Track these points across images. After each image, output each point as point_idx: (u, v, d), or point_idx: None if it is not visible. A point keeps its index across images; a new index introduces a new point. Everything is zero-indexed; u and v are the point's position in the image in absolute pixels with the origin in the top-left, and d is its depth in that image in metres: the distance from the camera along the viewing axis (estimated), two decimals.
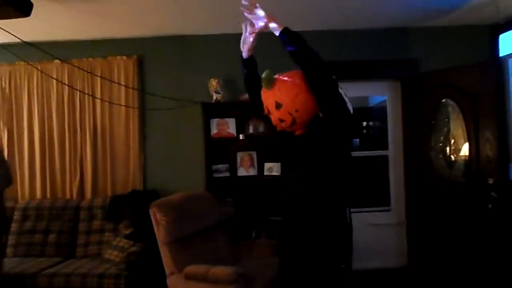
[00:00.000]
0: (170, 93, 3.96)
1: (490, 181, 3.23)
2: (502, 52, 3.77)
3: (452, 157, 3.64)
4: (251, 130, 3.90)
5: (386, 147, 4.26)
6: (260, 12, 1.81)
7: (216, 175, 3.85)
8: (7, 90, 4.07)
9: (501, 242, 3.23)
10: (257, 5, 1.83)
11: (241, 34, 1.97)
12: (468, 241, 3.42)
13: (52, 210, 3.79)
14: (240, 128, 3.89)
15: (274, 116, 1.88)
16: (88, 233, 3.73)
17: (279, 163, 3.77)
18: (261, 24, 1.83)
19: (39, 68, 3.99)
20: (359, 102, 4.87)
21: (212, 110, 3.86)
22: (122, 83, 3.98)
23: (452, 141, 3.64)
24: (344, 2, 3.31)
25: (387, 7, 3.48)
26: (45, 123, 4.05)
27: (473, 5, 3.42)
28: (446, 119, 3.67)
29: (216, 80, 3.83)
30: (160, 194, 3.80)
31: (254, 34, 1.91)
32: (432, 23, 3.89)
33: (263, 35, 1.95)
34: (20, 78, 4.06)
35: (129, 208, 3.72)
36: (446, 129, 3.68)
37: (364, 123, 5.50)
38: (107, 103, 4.00)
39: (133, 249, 3.29)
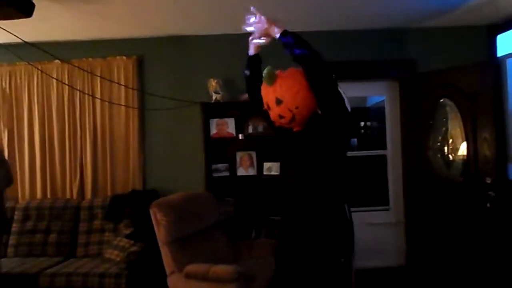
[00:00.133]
0: (169, 93, 3.98)
1: (488, 181, 3.25)
2: (500, 53, 3.79)
3: (450, 156, 3.66)
4: (250, 130, 3.92)
5: (383, 147, 4.28)
6: (262, 25, 1.86)
7: (215, 174, 3.87)
8: (7, 90, 4.08)
9: (499, 241, 3.26)
10: (259, 17, 1.87)
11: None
12: (467, 240, 3.45)
13: (52, 210, 3.80)
14: (240, 128, 3.91)
15: (274, 112, 1.90)
16: (89, 232, 3.74)
17: (278, 163, 3.80)
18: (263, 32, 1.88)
19: (39, 68, 4.00)
20: (357, 102, 4.88)
21: (211, 110, 3.88)
22: (122, 83, 4.00)
23: (450, 140, 3.66)
24: (343, 2, 3.33)
25: (385, 8, 3.50)
26: (45, 123, 4.06)
27: (471, 5, 3.44)
28: (444, 119, 3.69)
29: (215, 80, 3.85)
30: (160, 193, 3.82)
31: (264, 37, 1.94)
32: (430, 23, 3.92)
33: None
34: (21, 78, 4.07)
35: (129, 207, 3.74)
36: (444, 128, 3.70)
37: (362, 123, 5.53)
38: (107, 103, 4.01)
39: (134, 248, 3.31)
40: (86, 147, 4.03)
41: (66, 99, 4.04)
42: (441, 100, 3.69)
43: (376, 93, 4.58)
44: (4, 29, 3.19)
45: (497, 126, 3.31)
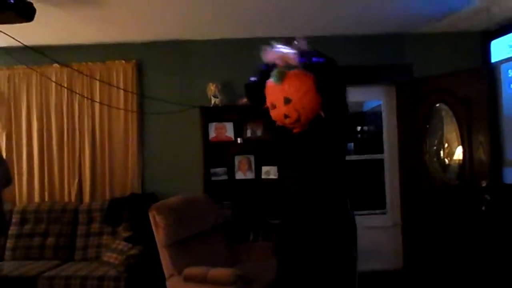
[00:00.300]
0: (168, 97, 3.99)
1: (483, 184, 3.30)
2: (493, 58, 3.85)
3: (446, 160, 3.71)
4: (249, 134, 3.94)
5: (380, 151, 4.32)
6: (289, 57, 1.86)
7: (214, 178, 3.88)
8: (6, 93, 4.08)
9: (495, 244, 3.30)
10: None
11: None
12: (463, 243, 3.48)
13: (50, 213, 3.80)
14: (238, 132, 3.94)
15: (280, 111, 1.89)
16: (87, 236, 3.74)
17: (276, 167, 3.82)
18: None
19: (38, 71, 4.01)
20: (353, 108, 4.91)
21: (210, 114, 3.90)
22: (121, 87, 4.01)
23: (446, 145, 3.71)
24: (340, 8, 3.37)
25: (382, 14, 3.55)
26: (44, 126, 4.06)
27: (466, 12, 3.50)
28: (440, 124, 3.74)
29: (214, 85, 3.87)
30: (158, 197, 3.82)
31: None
32: (426, 29, 3.97)
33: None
34: (19, 81, 4.08)
35: (128, 211, 3.73)
36: (440, 133, 3.75)
37: (359, 128, 5.56)
38: (106, 106, 4.02)
39: (132, 251, 3.32)
40: (85, 150, 4.03)
41: (65, 102, 4.05)
42: (437, 105, 3.74)
43: (373, 98, 4.62)
44: (3, 32, 3.19)
45: (492, 130, 3.37)
